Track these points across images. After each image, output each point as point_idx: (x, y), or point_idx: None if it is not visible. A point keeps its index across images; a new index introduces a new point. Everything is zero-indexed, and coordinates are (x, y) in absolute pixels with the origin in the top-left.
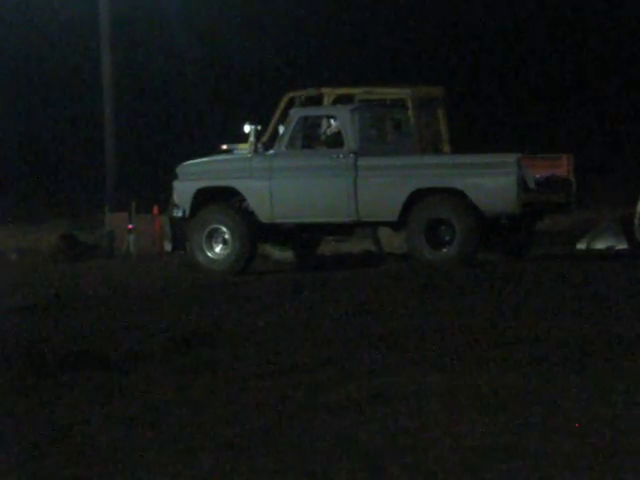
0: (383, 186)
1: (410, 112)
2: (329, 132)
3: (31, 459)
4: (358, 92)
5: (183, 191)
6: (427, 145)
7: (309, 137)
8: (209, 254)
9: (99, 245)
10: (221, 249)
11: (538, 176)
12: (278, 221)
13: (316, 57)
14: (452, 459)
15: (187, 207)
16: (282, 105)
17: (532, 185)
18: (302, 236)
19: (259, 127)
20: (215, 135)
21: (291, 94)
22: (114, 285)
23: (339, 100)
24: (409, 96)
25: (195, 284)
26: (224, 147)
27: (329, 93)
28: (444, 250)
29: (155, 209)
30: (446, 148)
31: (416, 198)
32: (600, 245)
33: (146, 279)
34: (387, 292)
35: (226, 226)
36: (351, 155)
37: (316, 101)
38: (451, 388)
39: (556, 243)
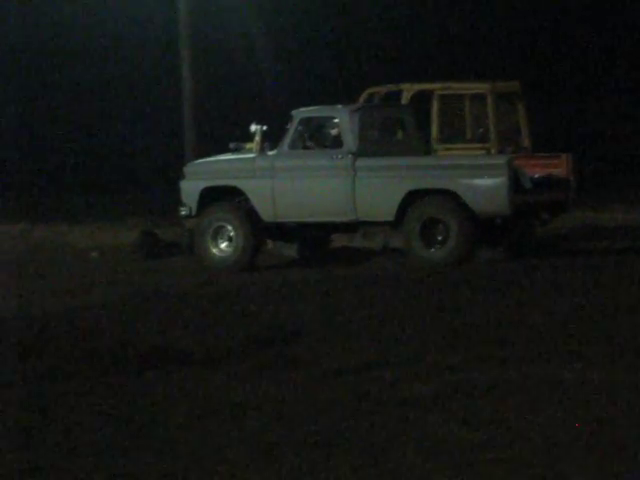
0: (380, 187)
1: (489, 106)
2: (330, 133)
3: (116, 457)
4: (437, 87)
5: (189, 190)
6: (506, 140)
7: (311, 137)
8: (214, 251)
9: (179, 242)
10: (226, 246)
11: (536, 176)
12: (280, 220)
13: (395, 52)
14: (534, 453)
15: (193, 206)
16: (361, 101)
17: (528, 185)
18: (306, 234)
19: (265, 127)
20: None
21: (370, 90)
22: (195, 282)
23: (419, 96)
24: (488, 91)
25: (275, 281)
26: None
27: (408, 89)
28: (439, 249)
29: None
30: (526, 143)
31: (412, 198)
32: None
33: (226, 276)
34: (460, 289)
35: (231, 224)
36: (350, 156)
37: (395, 97)
38: (530, 383)
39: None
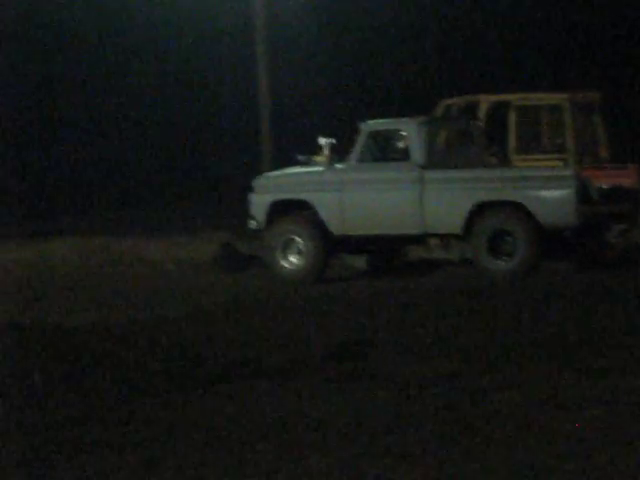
0: (448, 199)
1: (566, 117)
2: (398, 145)
3: (195, 469)
4: (514, 98)
5: (258, 204)
6: (584, 150)
7: (379, 150)
8: (285, 264)
9: (258, 255)
10: (296, 259)
11: (604, 186)
12: (349, 233)
13: (472, 63)
14: (617, 467)
15: (263, 219)
16: (439, 113)
17: (595, 196)
18: (375, 247)
19: (334, 140)
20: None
21: (447, 102)
22: (271, 295)
23: (495, 107)
24: (565, 101)
25: (348, 294)
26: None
27: (485, 100)
28: (507, 261)
29: None
30: (604, 153)
31: (479, 210)
32: None
33: (304, 289)
34: (532, 300)
35: (301, 237)
36: (418, 168)
37: (472, 108)
38: (614, 395)
39: None
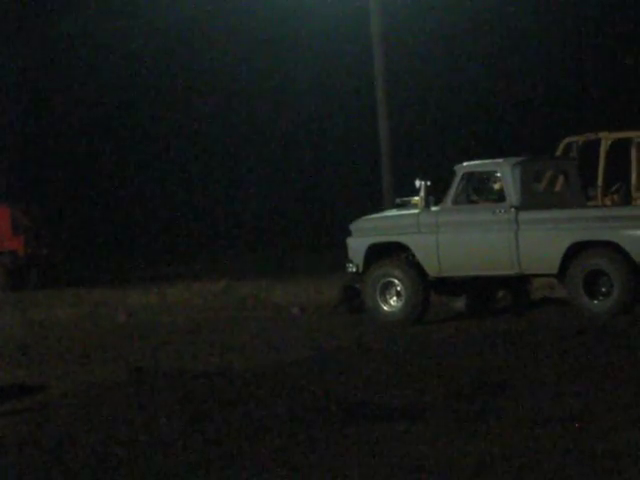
0: (543, 239)
1: None
2: (493, 187)
3: None
4: (635, 135)
5: (356, 247)
6: None
7: (473, 192)
8: (384, 306)
9: None
10: (395, 301)
11: None
12: (445, 275)
13: (594, 100)
14: None
15: (360, 263)
16: (560, 151)
17: None
18: (472, 288)
19: (429, 182)
20: None
21: (568, 140)
22: (395, 336)
23: (617, 144)
24: None
25: (477, 332)
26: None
27: (606, 137)
28: (602, 300)
29: None
30: None
31: (574, 250)
32: None
33: (422, 329)
34: None
35: (399, 279)
36: (512, 209)
37: (594, 146)
38: None
39: None
